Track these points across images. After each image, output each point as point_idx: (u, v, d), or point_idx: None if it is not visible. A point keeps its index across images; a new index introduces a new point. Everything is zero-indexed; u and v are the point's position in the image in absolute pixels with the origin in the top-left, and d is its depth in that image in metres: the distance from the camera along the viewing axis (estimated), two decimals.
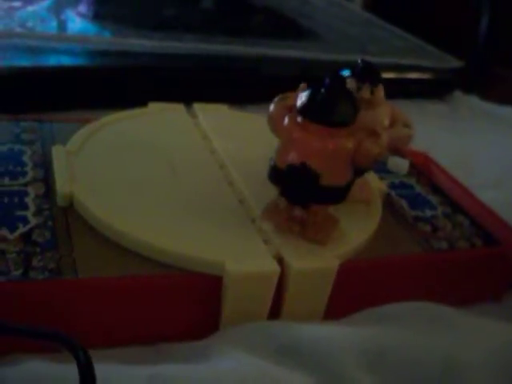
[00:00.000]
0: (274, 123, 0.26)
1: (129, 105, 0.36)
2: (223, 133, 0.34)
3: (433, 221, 0.32)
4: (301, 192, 0.26)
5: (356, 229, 0.28)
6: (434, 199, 0.35)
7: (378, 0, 0.90)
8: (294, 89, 0.26)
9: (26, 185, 0.28)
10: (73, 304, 0.23)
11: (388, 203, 0.33)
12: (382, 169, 0.34)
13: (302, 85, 0.25)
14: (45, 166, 0.30)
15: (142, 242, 0.25)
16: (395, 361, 0.24)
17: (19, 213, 0.26)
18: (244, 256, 0.25)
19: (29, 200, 0.27)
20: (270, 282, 0.25)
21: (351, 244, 0.27)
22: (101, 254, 0.25)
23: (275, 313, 0.26)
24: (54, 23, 0.53)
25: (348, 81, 0.28)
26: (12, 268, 0.23)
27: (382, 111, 0.29)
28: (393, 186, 0.35)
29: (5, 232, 0.25)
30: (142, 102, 0.36)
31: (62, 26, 0.53)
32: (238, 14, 0.71)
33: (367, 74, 0.28)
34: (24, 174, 0.29)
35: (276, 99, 0.26)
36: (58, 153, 0.30)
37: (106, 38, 0.52)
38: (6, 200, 0.27)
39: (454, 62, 0.68)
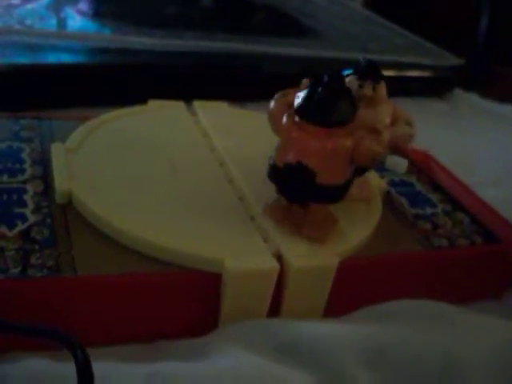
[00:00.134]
0: (274, 120, 0.26)
1: (129, 102, 0.36)
2: (223, 130, 0.34)
3: (433, 218, 0.32)
4: (297, 191, 0.26)
5: (356, 226, 0.28)
6: (434, 197, 0.34)
7: None
8: (294, 86, 0.26)
9: (24, 182, 0.28)
10: (71, 302, 0.23)
11: (388, 201, 0.33)
12: (381, 167, 0.34)
13: (305, 81, 0.25)
14: (43, 163, 0.30)
15: (141, 239, 0.25)
16: (395, 358, 0.24)
17: (18, 210, 0.26)
18: (243, 253, 0.25)
19: (27, 197, 0.27)
20: (269, 280, 0.25)
21: (351, 242, 0.27)
22: (100, 251, 0.25)
23: (275, 310, 0.26)
24: (54, 21, 0.53)
25: (350, 78, 0.28)
26: (10, 265, 0.23)
27: (384, 109, 0.28)
28: (393, 184, 0.35)
29: (3, 229, 0.25)
30: (141, 100, 0.36)
31: (62, 23, 0.53)
32: (239, 12, 0.71)
33: (369, 71, 0.28)
34: (23, 171, 0.29)
35: (276, 96, 0.26)
36: (56, 150, 0.30)
37: (106, 36, 0.52)
38: (4, 197, 0.27)
39: (454, 60, 0.67)
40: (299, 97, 0.24)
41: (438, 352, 0.24)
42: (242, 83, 0.51)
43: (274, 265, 0.24)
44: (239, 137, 0.34)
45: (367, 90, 0.28)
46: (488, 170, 0.47)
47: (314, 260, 0.25)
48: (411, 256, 0.29)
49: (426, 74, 0.64)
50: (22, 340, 0.21)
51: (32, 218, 0.26)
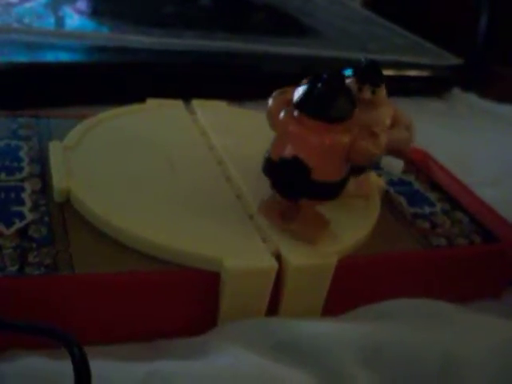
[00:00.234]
0: (272, 117, 0.26)
1: (127, 101, 0.36)
2: (221, 129, 0.34)
3: (431, 218, 0.32)
4: (292, 186, 0.25)
5: (354, 225, 0.28)
6: (432, 196, 0.34)
7: None
8: (293, 86, 0.25)
9: (22, 180, 0.28)
10: (69, 300, 0.23)
11: (387, 200, 0.33)
12: (379, 166, 0.34)
13: (304, 81, 0.25)
14: (41, 161, 0.30)
15: (139, 237, 0.25)
16: (394, 357, 0.24)
17: (15, 208, 0.26)
18: (242, 252, 0.25)
19: (25, 195, 0.27)
20: (267, 278, 0.24)
21: (349, 240, 0.27)
22: (97, 249, 0.25)
23: (273, 309, 0.26)
24: (52, 19, 0.53)
25: (349, 81, 0.27)
26: (8, 264, 0.23)
27: (384, 112, 0.28)
28: (391, 183, 0.35)
29: (1, 227, 0.25)
30: (140, 99, 0.36)
31: (60, 21, 0.53)
32: (238, 11, 0.71)
33: (369, 73, 0.28)
34: (21, 169, 0.29)
35: (275, 93, 0.26)
36: (54, 148, 0.30)
37: (104, 34, 0.52)
38: (2, 195, 0.27)
39: (453, 60, 0.67)
40: (299, 91, 0.24)
41: (436, 351, 0.24)
42: (241, 82, 0.51)
43: (272, 263, 0.24)
44: (238, 135, 0.34)
45: (365, 94, 0.27)
46: (486, 170, 0.47)
47: (312, 259, 0.25)
48: (410, 255, 0.29)
49: (424, 73, 0.64)
50: (20, 338, 0.21)
51: (30, 216, 0.26)
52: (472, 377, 0.24)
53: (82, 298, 0.23)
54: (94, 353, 0.19)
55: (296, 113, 0.25)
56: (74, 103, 0.43)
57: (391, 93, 0.29)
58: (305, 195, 0.26)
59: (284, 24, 0.70)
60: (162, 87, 0.46)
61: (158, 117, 0.35)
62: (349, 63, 0.28)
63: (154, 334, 0.25)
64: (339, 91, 0.24)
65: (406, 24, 0.75)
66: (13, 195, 0.27)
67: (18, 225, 0.25)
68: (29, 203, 0.27)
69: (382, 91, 0.28)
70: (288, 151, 0.25)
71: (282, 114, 0.25)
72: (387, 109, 0.29)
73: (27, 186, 0.28)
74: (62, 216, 0.26)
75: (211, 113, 0.36)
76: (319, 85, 0.24)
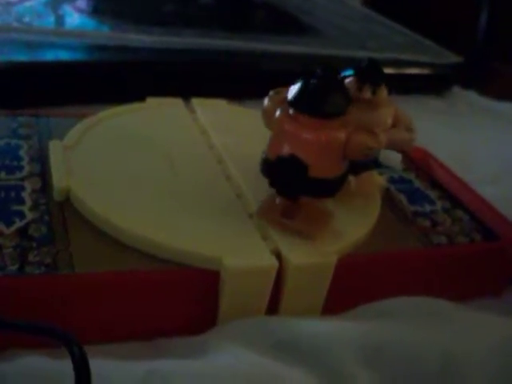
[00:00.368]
0: (268, 117, 0.26)
1: (127, 100, 0.36)
2: (221, 128, 0.34)
3: (432, 216, 0.32)
4: (289, 184, 0.25)
5: (355, 223, 0.28)
6: (433, 194, 0.34)
7: None
8: (293, 84, 0.25)
9: (22, 179, 0.28)
10: (69, 299, 0.23)
11: (387, 198, 0.33)
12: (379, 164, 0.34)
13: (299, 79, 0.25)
14: (41, 160, 0.30)
15: (139, 236, 0.25)
16: (394, 356, 0.24)
17: (15, 207, 0.26)
18: (242, 251, 0.25)
19: (25, 194, 0.27)
20: (267, 277, 0.24)
21: (350, 239, 0.27)
22: (98, 248, 0.25)
23: (273, 308, 0.26)
24: (52, 18, 0.53)
25: (349, 81, 0.27)
26: (8, 263, 0.23)
27: (384, 112, 0.28)
28: (392, 181, 0.35)
29: (1, 226, 0.25)
30: (140, 97, 0.36)
31: (60, 20, 0.53)
32: (238, 10, 0.71)
33: (369, 73, 0.28)
34: (21, 168, 0.29)
35: (270, 93, 0.26)
36: (54, 147, 0.30)
37: (104, 33, 0.52)
38: (2, 194, 0.27)
39: (453, 58, 0.67)
40: (293, 89, 0.24)
41: (436, 350, 0.24)
42: (241, 81, 0.51)
43: (272, 262, 0.24)
44: (237, 134, 0.34)
45: (365, 93, 0.27)
46: (487, 168, 0.47)
47: (312, 257, 0.25)
48: (410, 253, 0.29)
49: (424, 71, 0.64)
50: (20, 337, 0.21)
51: (30, 216, 0.26)
52: (472, 375, 0.24)
53: (82, 297, 0.23)
54: (93, 352, 0.19)
55: (291, 111, 0.25)
56: (73, 102, 0.42)
57: (391, 91, 0.29)
58: (303, 193, 0.26)
59: (284, 22, 0.70)
60: (162, 86, 0.45)
61: (157, 115, 0.35)
62: (348, 61, 0.28)
63: (154, 332, 0.25)
64: (332, 87, 0.24)
65: (405, 22, 0.75)
66: (13, 194, 0.27)
67: (18, 224, 0.25)
68: (29, 202, 0.27)
69: (383, 91, 0.28)
70: (285, 150, 0.25)
71: (277, 113, 0.25)
72: (388, 109, 0.28)
73: (27, 185, 0.28)
74: (62, 215, 0.26)
75: (211, 111, 0.36)
76: (312, 81, 0.24)
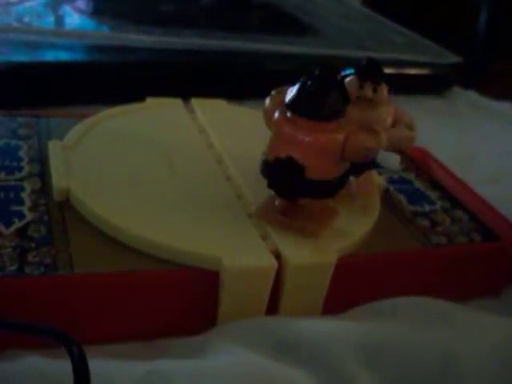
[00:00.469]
0: (269, 116, 0.26)
1: (127, 100, 0.36)
2: (221, 128, 0.34)
3: (431, 216, 0.32)
4: (287, 185, 0.25)
5: (354, 223, 0.28)
6: (432, 194, 0.34)
7: None
8: (292, 84, 0.25)
9: (22, 180, 0.28)
10: (69, 299, 0.23)
11: (387, 198, 0.33)
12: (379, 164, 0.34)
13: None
14: (41, 161, 0.30)
15: (138, 236, 0.25)
16: (393, 356, 0.24)
17: (15, 208, 0.26)
18: (241, 251, 0.25)
19: (25, 195, 0.27)
20: (267, 277, 0.24)
21: (349, 239, 0.27)
22: (97, 249, 0.25)
23: (273, 308, 0.26)
24: (52, 18, 0.53)
25: (350, 78, 0.27)
26: (7, 263, 0.23)
27: (385, 111, 0.28)
28: (391, 181, 0.35)
29: (0, 227, 0.25)
30: (140, 98, 0.36)
31: (60, 21, 0.53)
32: (237, 10, 0.71)
33: (370, 71, 0.28)
34: (20, 169, 0.29)
35: (272, 93, 0.26)
36: (54, 148, 0.30)
37: (104, 34, 0.52)
38: (1, 195, 0.27)
39: (453, 58, 0.67)
40: (290, 92, 0.24)
41: (436, 350, 0.24)
42: (241, 81, 0.51)
43: (272, 262, 0.24)
44: (237, 134, 0.34)
45: (367, 92, 0.27)
46: (486, 168, 0.47)
47: (312, 257, 0.25)
48: (410, 253, 0.29)
49: (424, 71, 0.64)
50: (20, 338, 0.21)
51: (29, 216, 0.26)
52: (472, 375, 0.24)
53: (82, 298, 0.23)
54: (93, 352, 0.19)
55: (289, 113, 0.25)
56: (73, 102, 0.43)
57: (391, 90, 0.29)
58: (301, 194, 0.26)
59: (283, 22, 0.70)
60: (162, 86, 0.45)
61: (157, 116, 0.35)
62: (348, 61, 0.28)
63: (154, 333, 0.25)
64: (329, 89, 0.24)
65: (405, 22, 0.75)
66: (12, 195, 0.27)
67: (18, 224, 0.25)
68: (28, 203, 0.27)
69: (384, 90, 0.28)
70: (282, 151, 0.25)
71: (276, 115, 0.25)
72: (388, 108, 0.28)
73: (27, 185, 0.28)
74: (62, 215, 0.26)
75: (211, 111, 0.36)
76: (309, 83, 0.24)
